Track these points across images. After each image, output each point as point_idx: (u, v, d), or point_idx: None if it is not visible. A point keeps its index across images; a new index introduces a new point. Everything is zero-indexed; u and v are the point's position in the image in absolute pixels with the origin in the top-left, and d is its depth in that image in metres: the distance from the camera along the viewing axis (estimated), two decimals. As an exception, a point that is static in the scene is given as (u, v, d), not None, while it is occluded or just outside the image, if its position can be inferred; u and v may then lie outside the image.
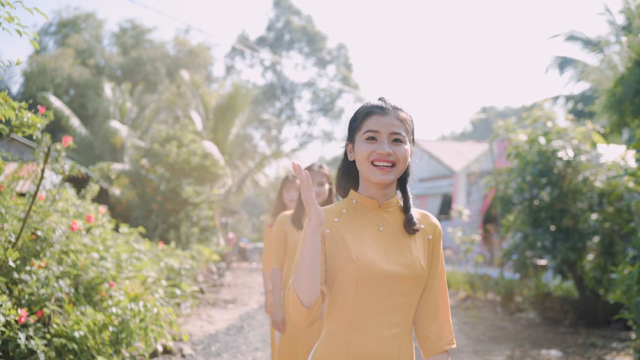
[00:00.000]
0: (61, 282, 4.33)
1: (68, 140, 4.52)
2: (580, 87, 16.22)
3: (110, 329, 4.51)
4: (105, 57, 31.47)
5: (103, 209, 6.37)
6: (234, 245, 21.40)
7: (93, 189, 6.34)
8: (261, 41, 46.02)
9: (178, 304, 7.98)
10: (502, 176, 9.43)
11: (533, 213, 8.28)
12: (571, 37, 15.96)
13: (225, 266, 14.08)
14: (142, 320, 4.68)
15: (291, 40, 45.91)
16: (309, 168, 3.70)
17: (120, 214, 15.19)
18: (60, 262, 4.73)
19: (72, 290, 4.66)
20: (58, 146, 4.43)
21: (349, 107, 53.50)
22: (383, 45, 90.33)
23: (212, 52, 39.70)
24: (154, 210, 14.65)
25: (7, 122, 3.66)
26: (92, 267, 5.04)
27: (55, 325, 4.32)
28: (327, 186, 3.62)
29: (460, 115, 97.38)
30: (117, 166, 16.20)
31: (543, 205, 8.16)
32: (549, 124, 8.20)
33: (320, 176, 3.64)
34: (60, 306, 4.57)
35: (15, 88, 26.73)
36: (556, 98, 16.55)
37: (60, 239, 4.63)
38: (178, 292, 7.23)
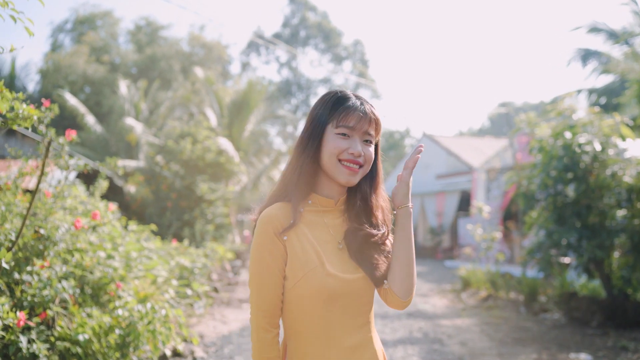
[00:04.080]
0: (64, 282, 4.12)
1: (71, 134, 4.31)
2: (603, 80, 15.78)
3: (117, 331, 4.31)
4: (120, 54, 31.47)
5: (113, 206, 6.17)
6: (249, 243, 21.23)
7: (102, 185, 6.16)
8: (277, 38, 45.85)
9: (191, 304, 7.78)
10: (525, 172, 9.11)
11: (558, 209, 7.97)
12: (594, 29, 15.52)
13: (241, 264, 13.90)
14: (149, 322, 4.46)
15: (307, 36, 45.73)
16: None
17: (136, 211, 15.07)
18: (65, 261, 4.52)
19: (78, 291, 4.45)
20: (61, 140, 4.22)
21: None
22: (399, 40, 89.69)
23: (228, 50, 39.50)
24: (168, 207, 14.50)
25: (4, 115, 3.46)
26: (98, 266, 4.83)
27: (59, 328, 4.12)
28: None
29: (478, 111, 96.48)
30: (131, 163, 16.08)
31: (568, 202, 7.84)
32: (575, 116, 7.86)
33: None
34: (65, 308, 4.37)
35: (31, 86, 26.75)
36: (579, 91, 16.11)
37: (65, 238, 4.43)
38: (189, 292, 7.01)
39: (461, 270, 11.55)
